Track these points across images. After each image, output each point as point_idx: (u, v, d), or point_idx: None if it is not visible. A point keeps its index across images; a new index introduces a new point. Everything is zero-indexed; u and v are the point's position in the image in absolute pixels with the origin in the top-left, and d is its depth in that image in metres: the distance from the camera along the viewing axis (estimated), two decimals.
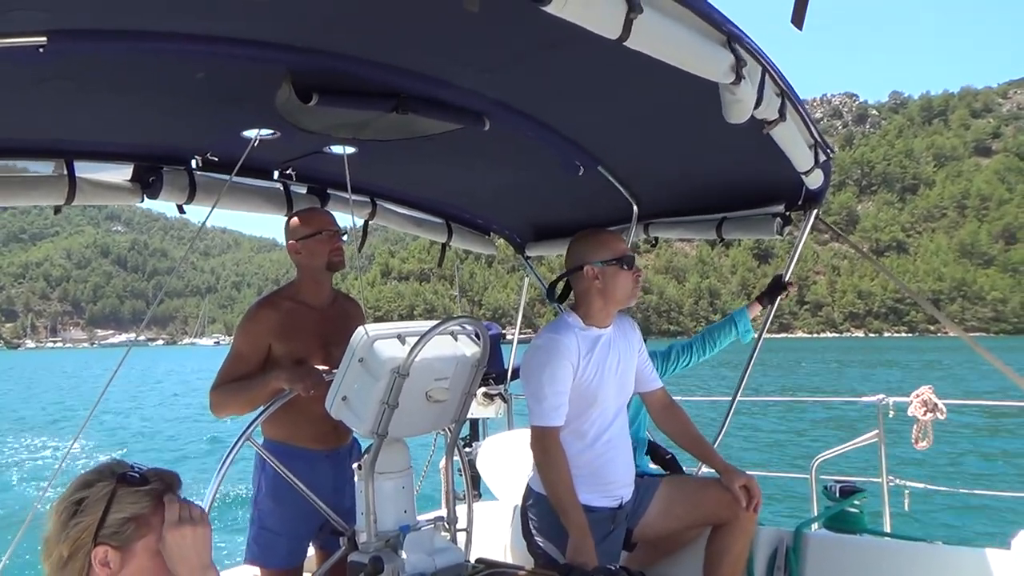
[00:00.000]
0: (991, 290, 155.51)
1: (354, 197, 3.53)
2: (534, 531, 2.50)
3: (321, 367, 2.60)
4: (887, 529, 3.31)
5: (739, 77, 2.02)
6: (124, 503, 1.45)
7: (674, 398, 3.85)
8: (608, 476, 2.47)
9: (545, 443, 2.36)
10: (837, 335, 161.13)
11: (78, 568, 1.43)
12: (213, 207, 3.06)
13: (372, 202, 3.67)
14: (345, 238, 2.88)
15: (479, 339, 2.59)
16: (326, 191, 3.47)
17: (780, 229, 3.30)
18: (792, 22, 2.03)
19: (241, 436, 2.46)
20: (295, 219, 2.83)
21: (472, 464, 4.53)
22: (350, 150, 2.97)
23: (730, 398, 3.66)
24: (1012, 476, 7.83)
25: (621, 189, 3.47)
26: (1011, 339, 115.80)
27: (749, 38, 2.09)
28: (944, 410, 3.47)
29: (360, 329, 2.37)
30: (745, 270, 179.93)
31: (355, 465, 2.49)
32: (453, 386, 2.54)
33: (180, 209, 3.06)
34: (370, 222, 3.76)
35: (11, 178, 2.73)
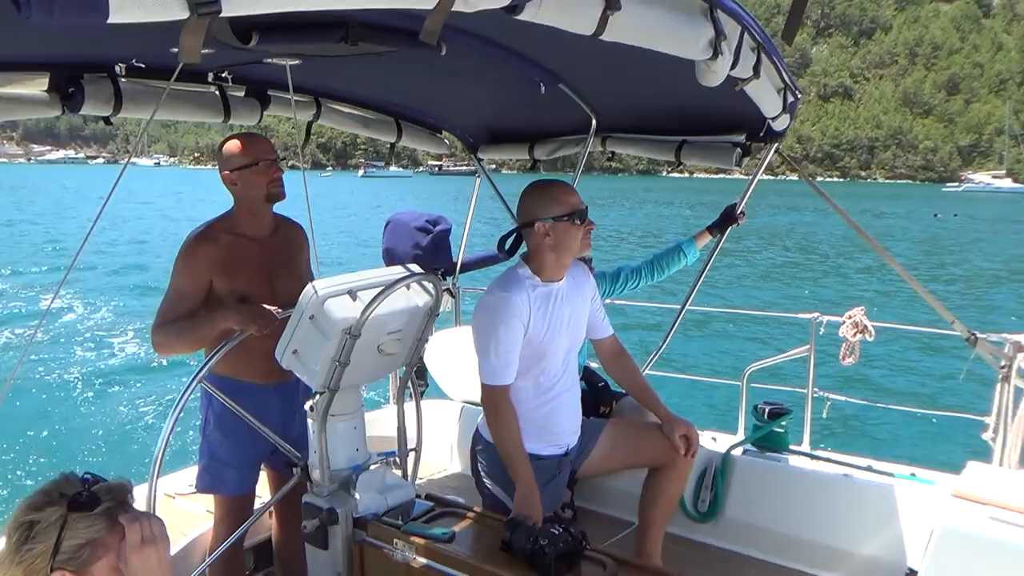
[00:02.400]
0: (924, 139, 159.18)
1: (297, 98, 3.29)
2: (483, 474, 2.60)
3: (272, 308, 2.53)
4: (806, 439, 3.55)
5: (716, 53, 1.93)
6: (77, 529, 1.43)
7: (623, 301, 3.94)
8: (555, 426, 2.55)
9: (495, 400, 2.40)
10: (772, 177, 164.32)
11: None
12: (149, 119, 2.80)
13: (316, 102, 3.43)
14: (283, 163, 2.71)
15: (432, 289, 2.55)
16: (267, 93, 3.21)
17: (739, 160, 3.25)
18: (783, 38, 1.90)
19: (192, 380, 2.42)
20: (229, 146, 2.62)
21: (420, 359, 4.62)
22: (293, 62, 2.73)
23: (678, 306, 3.77)
24: (926, 394, 8.43)
25: (581, 104, 3.33)
26: (934, 186, 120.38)
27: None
28: (872, 332, 3.64)
29: (308, 287, 2.29)
30: None
31: (307, 406, 2.50)
32: (404, 336, 2.52)
33: (106, 121, 2.79)
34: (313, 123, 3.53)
35: None
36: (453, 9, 1.27)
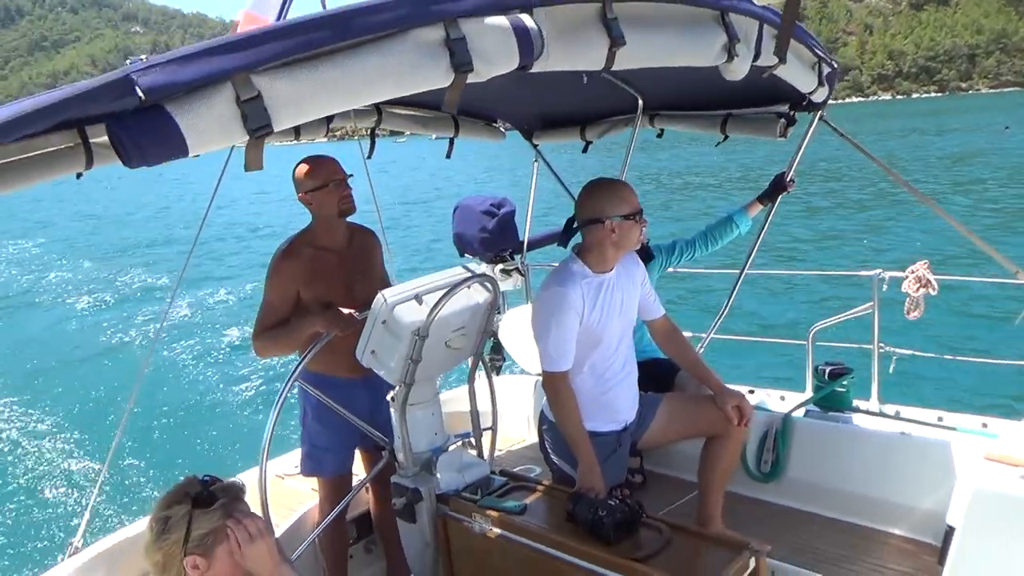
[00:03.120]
0: None
1: (359, 108, 3.54)
2: (550, 451, 2.84)
3: (350, 311, 2.82)
4: (874, 395, 3.61)
5: (731, 55, 2.04)
6: (201, 521, 1.77)
7: (684, 269, 4.07)
8: (614, 404, 2.75)
9: (555, 385, 2.62)
10: (863, 99, 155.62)
11: (175, 570, 1.79)
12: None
13: (377, 109, 3.67)
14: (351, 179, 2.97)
15: (490, 286, 2.78)
16: None
17: (784, 130, 3.30)
18: (775, 54, 2.00)
19: (289, 378, 2.75)
20: (301, 170, 2.88)
21: (495, 334, 4.89)
22: None
23: (737, 271, 3.87)
24: (996, 345, 8.16)
25: (626, 87, 3.44)
26: None
27: (741, 0, 2.05)
28: (936, 286, 3.64)
29: (379, 296, 2.55)
30: None
31: (389, 397, 2.80)
32: (469, 331, 2.77)
33: None
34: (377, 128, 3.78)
35: None
36: (469, 81, 1.47)
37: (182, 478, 1.91)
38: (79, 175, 2.26)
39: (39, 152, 1.44)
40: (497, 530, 2.48)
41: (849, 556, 2.84)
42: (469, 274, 2.70)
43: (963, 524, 2.10)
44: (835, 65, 2.89)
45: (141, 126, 1.14)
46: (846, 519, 3.10)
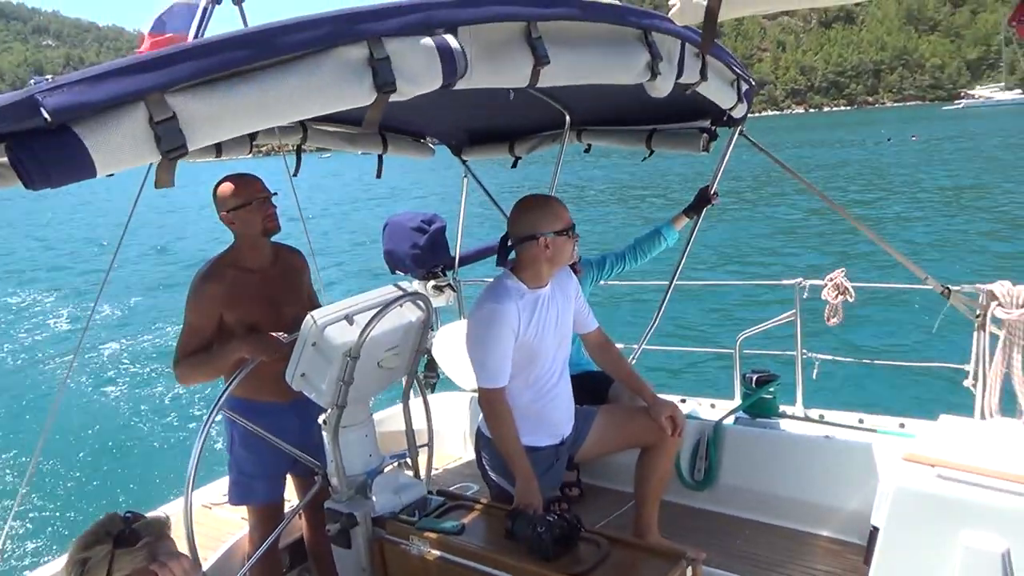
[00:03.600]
0: (931, 56, 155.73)
1: (284, 125, 3.47)
2: (487, 467, 2.82)
3: (278, 334, 2.74)
4: (799, 400, 3.73)
5: (655, 73, 2.09)
6: (123, 562, 1.68)
7: (613, 282, 4.12)
8: (551, 418, 2.75)
9: (491, 401, 2.60)
10: (779, 112, 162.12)
11: None
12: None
13: (302, 126, 3.60)
14: (276, 198, 2.90)
15: (423, 304, 2.75)
16: None
17: (706, 144, 3.39)
18: (700, 47, 2.06)
19: (213, 408, 2.65)
20: (223, 188, 2.80)
21: (428, 351, 4.84)
22: None
23: (666, 283, 3.95)
24: (910, 348, 8.61)
25: (553, 103, 3.48)
26: (944, 105, 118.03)
27: (663, 20, 2.10)
28: (853, 293, 3.80)
29: (308, 317, 2.49)
30: None
31: (321, 420, 2.73)
32: (402, 350, 2.73)
33: None
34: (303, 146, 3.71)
35: None
36: (392, 100, 1.45)
37: (102, 515, 1.81)
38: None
39: None
40: (436, 552, 2.44)
41: (781, 560, 2.91)
42: (401, 293, 2.67)
43: (886, 524, 2.18)
44: (752, 82, 2.99)
45: (46, 148, 1.08)
46: (778, 523, 3.18)
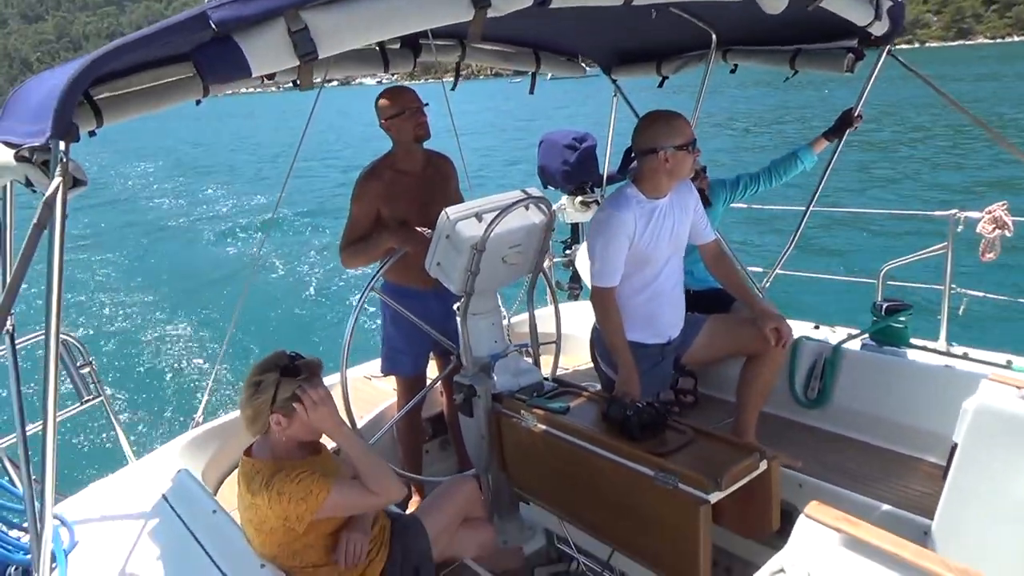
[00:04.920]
0: None
1: (444, 43, 3.82)
2: (599, 358, 3.11)
3: (423, 229, 3.15)
4: (943, 335, 3.63)
5: None
6: (285, 387, 2.18)
7: (753, 205, 4.17)
8: (658, 320, 2.97)
9: (602, 299, 2.87)
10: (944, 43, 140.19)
11: (262, 423, 2.21)
12: (323, 81, 3.48)
13: (461, 44, 3.92)
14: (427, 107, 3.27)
15: (546, 208, 3.03)
16: (417, 41, 3.75)
17: (852, 65, 3.32)
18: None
19: (366, 288, 3.15)
20: (381, 101, 3.22)
21: (572, 264, 5.15)
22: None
23: (803, 208, 3.93)
24: None
25: (698, 22, 3.54)
26: None
27: None
28: (1011, 227, 3.59)
29: (443, 213, 2.86)
30: None
31: (455, 306, 3.14)
32: (525, 249, 3.05)
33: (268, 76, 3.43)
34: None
35: None
36: (489, 16, 1.72)
37: (272, 351, 2.33)
38: (198, 102, 2.69)
39: (163, 82, 1.83)
40: (542, 426, 2.78)
41: (877, 477, 2.97)
42: (524, 196, 2.96)
43: (964, 439, 2.22)
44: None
45: (217, 52, 1.47)
46: (883, 445, 3.21)
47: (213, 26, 1.43)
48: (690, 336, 3.09)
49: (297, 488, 2.14)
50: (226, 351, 3.97)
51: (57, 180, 1.37)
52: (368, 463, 2.27)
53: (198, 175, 30.79)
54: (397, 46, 3.71)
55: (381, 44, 3.62)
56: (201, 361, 9.56)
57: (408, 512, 2.87)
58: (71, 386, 3.40)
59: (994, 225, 3.63)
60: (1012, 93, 37.91)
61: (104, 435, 6.95)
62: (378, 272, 3.15)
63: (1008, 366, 3.17)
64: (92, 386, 3.43)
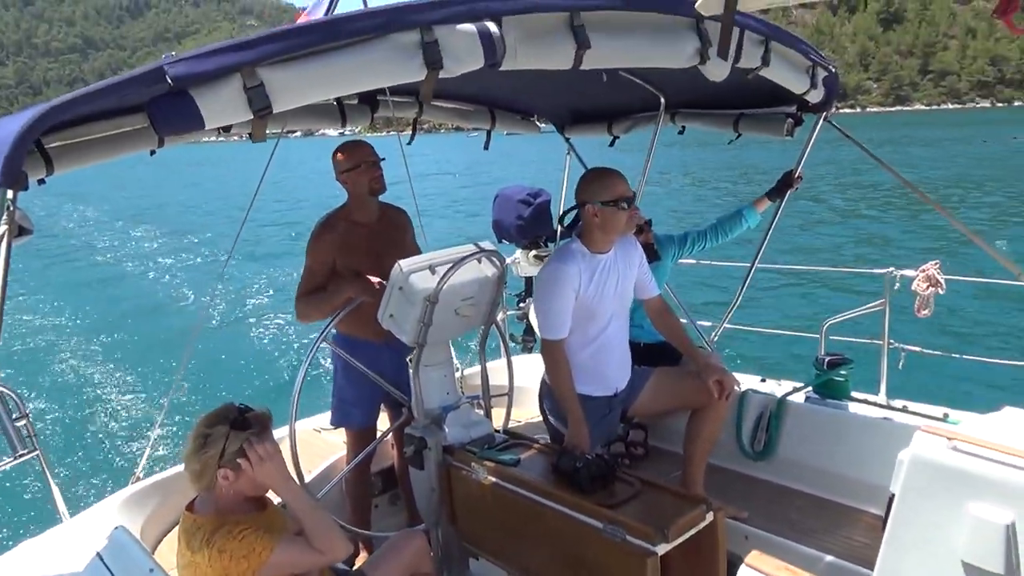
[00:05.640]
0: None
1: (401, 100, 3.91)
2: (548, 411, 3.14)
3: (377, 280, 3.17)
4: (882, 390, 3.75)
5: (704, 58, 2.28)
6: (234, 441, 2.14)
7: (700, 261, 4.29)
8: (604, 371, 3.02)
9: (551, 352, 2.91)
10: (960, 106, 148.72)
11: (208, 478, 2.16)
12: (281, 132, 3.52)
13: (418, 101, 4.02)
14: (383, 162, 3.33)
15: (498, 261, 3.08)
16: (375, 98, 3.83)
17: (791, 129, 3.49)
18: (718, 55, 2.22)
19: (318, 339, 3.14)
20: (339, 154, 3.27)
21: (525, 316, 5.20)
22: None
23: (748, 265, 4.07)
24: (1006, 346, 8.23)
25: (646, 85, 3.69)
26: None
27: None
28: (944, 285, 3.76)
29: (397, 265, 2.89)
30: (866, 38, 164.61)
31: (408, 359, 3.14)
32: (478, 301, 3.09)
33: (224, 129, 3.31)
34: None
35: None
36: (441, 76, 1.79)
37: (221, 404, 2.30)
38: (153, 152, 2.69)
39: (118, 131, 1.85)
40: (492, 478, 2.78)
41: (821, 528, 3.03)
42: (477, 249, 3.01)
43: (900, 491, 2.28)
44: (832, 69, 3.08)
45: (170, 105, 1.50)
46: (827, 497, 3.28)
47: (169, 80, 1.46)
48: (637, 388, 3.14)
49: (239, 546, 2.09)
50: (170, 403, 3.87)
51: (2, 228, 1.37)
52: (314, 519, 2.23)
53: (146, 222, 30.58)
54: (355, 102, 3.79)
55: (339, 99, 3.69)
56: (144, 413, 9.28)
57: (355, 568, 2.81)
58: (4, 439, 3.28)
59: (928, 283, 3.79)
60: (944, 158, 40.19)
61: (38, 491, 6.68)
62: (330, 323, 3.15)
63: (944, 419, 3.29)
64: (27, 439, 3.30)
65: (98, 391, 10.34)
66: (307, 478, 3.29)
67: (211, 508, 2.19)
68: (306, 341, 11.38)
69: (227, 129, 2.77)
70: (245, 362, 11.27)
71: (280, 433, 3.76)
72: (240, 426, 2.16)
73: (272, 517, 2.28)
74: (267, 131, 3.39)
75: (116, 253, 23.48)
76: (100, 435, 8.79)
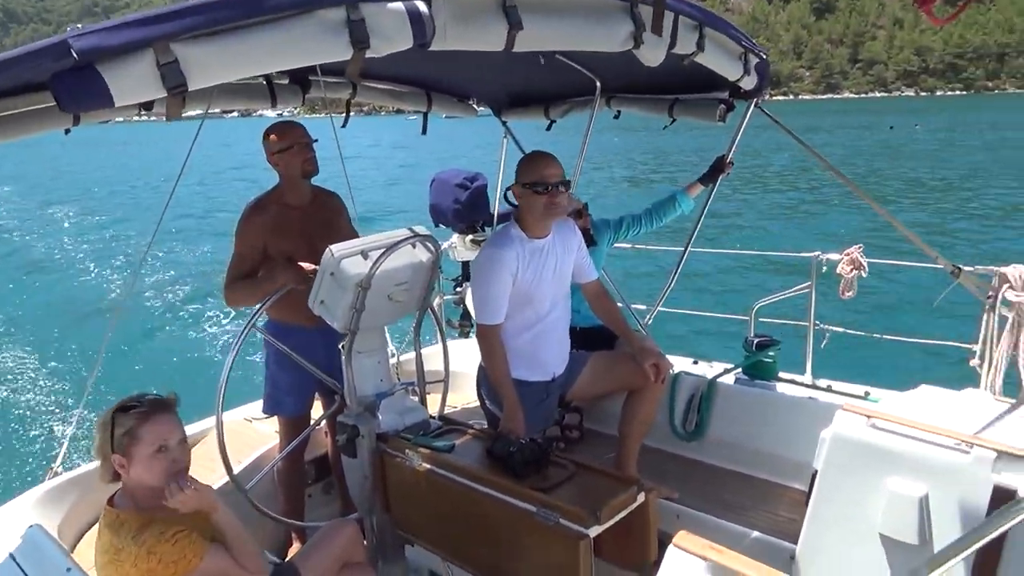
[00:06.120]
0: None
1: (334, 80, 3.81)
2: (485, 396, 3.13)
3: (309, 266, 3.09)
4: (808, 369, 3.86)
5: (638, 42, 2.28)
6: (120, 423, 2.04)
7: (635, 245, 4.33)
8: (542, 357, 3.02)
9: (486, 337, 2.89)
10: (886, 94, 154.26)
11: (107, 467, 2.10)
12: (205, 112, 3.39)
13: (351, 81, 3.92)
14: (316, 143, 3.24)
15: (432, 246, 3.05)
16: (307, 78, 3.72)
17: (723, 115, 3.54)
18: (652, 31, 2.21)
19: (247, 325, 3.05)
20: (270, 135, 3.17)
21: (462, 301, 5.17)
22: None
23: (681, 249, 4.13)
24: (924, 326, 8.75)
25: (582, 70, 3.69)
26: None
27: None
28: (866, 268, 3.89)
29: (328, 250, 2.83)
30: (800, 27, 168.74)
31: (340, 345, 3.08)
32: (412, 287, 3.04)
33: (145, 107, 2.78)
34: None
35: None
36: (368, 55, 1.74)
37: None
38: (67, 131, 2.55)
39: (33, 108, 1.74)
40: (427, 465, 2.76)
41: (749, 505, 3.12)
42: (411, 234, 2.97)
43: (822, 467, 2.37)
44: (764, 56, 3.12)
45: (76, 81, 1.42)
46: (755, 474, 3.37)
47: (75, 55, 1.38)
48: (575, 373, 3.15)
49: (171, 550, 2.01)
50: (90, 394, 3.72)
51: None
52: (240, 536, 2.17)
53: (65, 203, 29.31)
54: (285, 81, 3.67)
55: (268, 78, 3.57)
56: (61, 405, 8.89)
57: (286, 560, 2.76)
58: None
59: (852, 266, 3.92)
60: (868, 144, 41.71)
61: None
62: (259, 309, 3.07)
63: (865, 397, 3.41)
64: None
65: (11, 382, 9.90)
66: (236, 469, 3.21)
67: (130, 503, 2.11)
68: (237, 327, 11.15)
69: (148, 107, 2.65)
70: (172, 351, 10.86)
71: (208, 423, 3.69)
72: (124, 408, 2.07)
73: (197, 517, 2.21)
74: (190, 111, 3.30)
75: (31, 236, 22.43)
76: (13, 428, 8.40)
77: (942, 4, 1.76)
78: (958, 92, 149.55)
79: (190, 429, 3.72)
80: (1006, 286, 3.45)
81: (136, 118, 3.24)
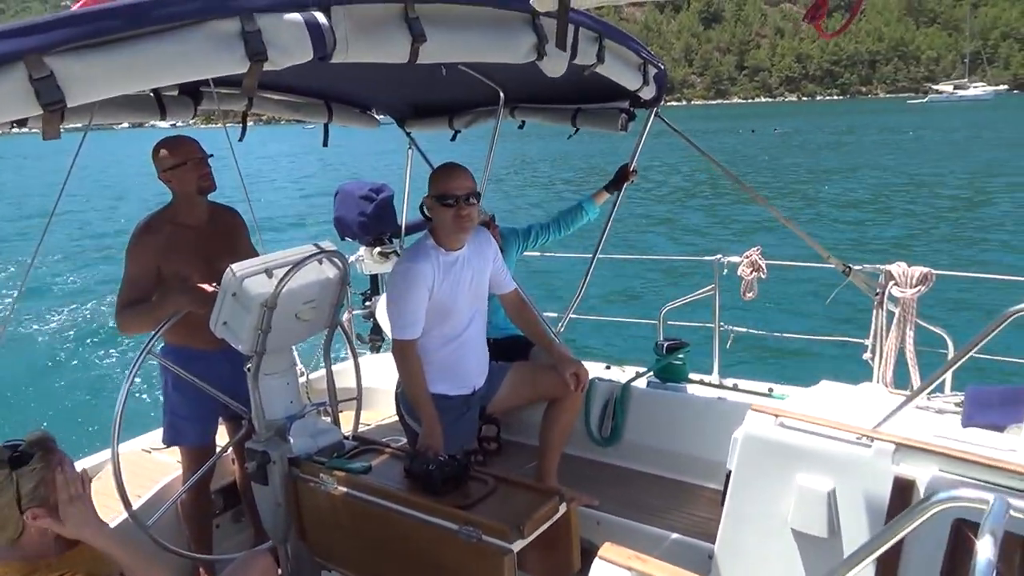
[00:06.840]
0: (927, 49, 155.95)
1: (228, 92, 3.65)
2: (405, 413, 3.06)
3: (209, 286, 2.94)
4: (715, 370, 3.98)
5: (541, 54, 2.28)
6: (26, 477, 1.88)
7: (544, 253, 4.36)
8: (462, 371, 2.98)
9: (403, 352, 2.83)
10: (771, 99, 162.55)
11: (14, 527, 1.90)
12: (87, 125, 3.17)
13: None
14: (211, 158, 3.09)
15: (340, 262, 2.96)
16: (198, 90, 3.55)
17: (624, 124, 3.60)
18: (556, 45, 2.24)
19: (142, 352, 2.86)
20: (161, 150, 2.99)
21: (372, 315, 5.07)
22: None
23: (590, 256, 4.18)
24: (821, 324, 9.36)
25: (486, 80, 3.67)
26: (910, 99, 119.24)
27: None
28: (765, 269, 4.05)
29: (228, 270, 2.69)
30: (690, 35, 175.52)
31: (246, 368, 2.95)
32: (320, 304, 2.94)
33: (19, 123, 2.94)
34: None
35: None
36: (265, 70, 1.66)
37: None
38: None
39: None
40: (343, 488, 2.66)
41: (666, 507, 3.18)
42: (317, 250, 2.87)
43: (736, 467, 2.43)
44: (662, 67, 3.20)
45: None
46: (672, 476, 3.44)
47: None
48: (495, 385, 3.13)
49: None
50: None
51: None
52: (139, 564, 2.02)
53: None
54: (175, 93, 3.49)
55: (156, 91, 3.38)
56: None
57: None
58: None
59: (751, 268, 4.06)
60: (757, 146, 43.81)
61: None
62: (154, 336, 2.89)
63: (769, 393, 3.53)
64: None
65: None
66: (135, 504, 3.01)
67: (16, 554, 1.93)
68: (133, 352, 10.52)
69: (22, 123, 2.45)
70: (59, 382, 10.10)
71: (104, 456, 3.45)
72: (21, 462, 1.90)
73: (87, 553, 2.05)
74: (71, 123, 3.08)
75: None
76: None
77: (830, 19, 1.84)
78: (836, 97, 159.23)
79: (84, 463, 3.49)
80: (892, 283, 3.65)
81: (15, 130, 2.99)
